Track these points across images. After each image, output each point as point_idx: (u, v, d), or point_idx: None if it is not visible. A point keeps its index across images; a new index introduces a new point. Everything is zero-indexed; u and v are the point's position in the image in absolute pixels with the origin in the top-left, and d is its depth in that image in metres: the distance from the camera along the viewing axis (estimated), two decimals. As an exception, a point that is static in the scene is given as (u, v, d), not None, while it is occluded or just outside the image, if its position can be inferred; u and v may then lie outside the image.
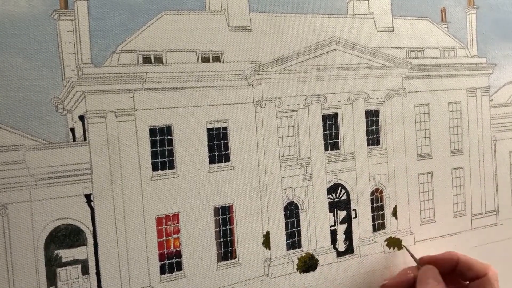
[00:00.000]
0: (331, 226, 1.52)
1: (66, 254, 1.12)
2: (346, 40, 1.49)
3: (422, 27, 1.68)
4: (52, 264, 1.13)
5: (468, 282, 1.03)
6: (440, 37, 1.74)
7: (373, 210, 1.62)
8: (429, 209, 1.77)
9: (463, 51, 1.78)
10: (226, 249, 1.39)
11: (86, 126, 1.18)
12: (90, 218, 1.17)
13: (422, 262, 1.11)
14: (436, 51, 1.73)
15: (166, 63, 1.26)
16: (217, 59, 1.32)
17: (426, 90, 1.68)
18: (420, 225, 1.75)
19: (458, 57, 1.76)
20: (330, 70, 1.48)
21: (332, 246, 1.49)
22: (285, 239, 1.39)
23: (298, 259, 1.45)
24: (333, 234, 1.52)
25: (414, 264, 1.39)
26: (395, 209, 1.63)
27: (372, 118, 1.62)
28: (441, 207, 1.77)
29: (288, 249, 1.42)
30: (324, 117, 1.54)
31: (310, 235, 1.45)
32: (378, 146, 1.61)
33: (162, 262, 1.30)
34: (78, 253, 1.14)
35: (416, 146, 1.69)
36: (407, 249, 1.45)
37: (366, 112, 1.59)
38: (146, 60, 1.25)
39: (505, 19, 1.76)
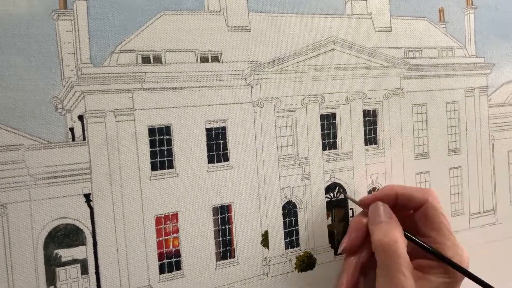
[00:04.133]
0: (328, 225, 1.53)
1: (65, 253, 1.13)
2: (344, 40, 1.50)
3: (420, 27, 1.69)
4: (52, 264, 1.13)
5: (412, 211, 1.02)
6: (438, 37, 1.74)
7: (371, 209, 1.62)
8: (427, 208, 1.77)
9: (461, 51, 1.79)
10: (225, 248, 1.39)
11: (85, 125, 1.18)
12: (89, 217, 1.17)
13: (365, 204, 1.08)
14: (434, 51, 1.74)
15: (165, 63, 1.26)
16: (216, 59, 1.32)
17: (424, 90, 1.69)
18: (418, 224, 1.76)
19: (456, 56, 1.77)
20: (328, 70, 1.48)
21: (329, 245, 1.50)
22: (283, 238, 1.40)
23: (296, 258, 1.46)
24: (331, 233, 1.53)
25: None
26: (392, 207, 1.63)
27: (370, 118, 1.63)
28: (439, 206, 1.78)
29: (286, 248, 1.42)
30: (322, 117, 1.55)
31: (308, 234, 1.46)
32: (375, 145, 1.62)
33: (161, 262, 1.31)
34: (77, 252, 1.14)
35: (413, 146, 1.70)
36: (348, 197, 1.45)
37: (364, 111, 1.60)
38: (145, 60, 1.26)
39: (503, 18, 1.77)
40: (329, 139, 1.60)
